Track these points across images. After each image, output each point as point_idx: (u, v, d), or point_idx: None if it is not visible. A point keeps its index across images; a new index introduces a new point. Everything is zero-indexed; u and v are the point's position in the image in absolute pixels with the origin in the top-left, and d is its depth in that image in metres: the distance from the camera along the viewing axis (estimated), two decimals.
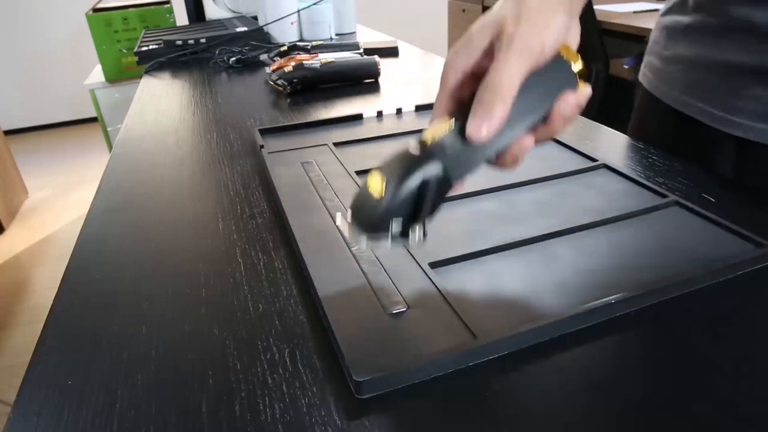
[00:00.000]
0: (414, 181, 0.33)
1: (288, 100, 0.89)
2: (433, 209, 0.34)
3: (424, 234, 0.34)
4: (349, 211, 0.36)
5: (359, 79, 0.97)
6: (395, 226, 0.34)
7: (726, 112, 0.57)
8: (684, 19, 0.61)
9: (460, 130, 0.33)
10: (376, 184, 0.34)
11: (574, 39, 0.37)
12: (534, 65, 0.34)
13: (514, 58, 0.33)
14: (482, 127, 0.32)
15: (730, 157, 0.59)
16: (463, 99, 0.37)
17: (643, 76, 0.70)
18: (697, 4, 0.59)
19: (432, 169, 0.33)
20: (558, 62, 0.35)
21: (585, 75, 0.35)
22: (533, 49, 0.33)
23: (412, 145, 0.34)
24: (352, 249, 0.35)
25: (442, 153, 0.33)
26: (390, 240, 0.34)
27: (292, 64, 0.92)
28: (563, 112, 0.34)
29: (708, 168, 0.59)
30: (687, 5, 0.61)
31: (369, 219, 0.34)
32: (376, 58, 0.97)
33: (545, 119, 0.35)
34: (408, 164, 0.33)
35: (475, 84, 0.34)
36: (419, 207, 0.33)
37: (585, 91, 0.35)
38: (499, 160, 0.36)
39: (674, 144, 0.64)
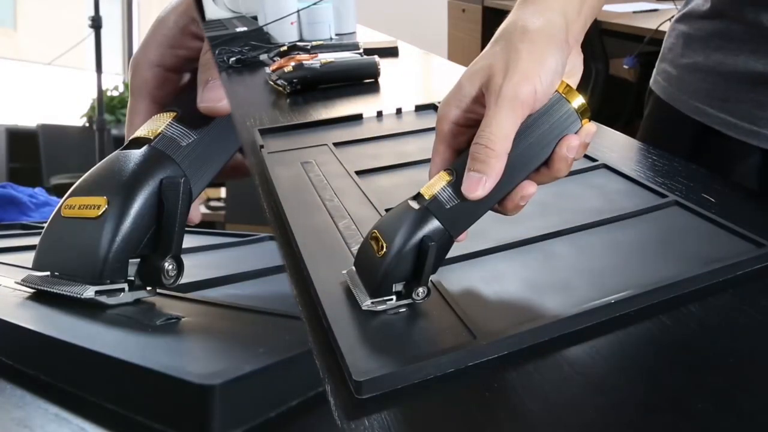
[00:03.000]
0: (414, 244, 0.33)
1: (288, 100, 0.89)
2: (436, 268, 0.34)
3: (428, 293, 0.35)
4: (353, 269, 0.37)
5: (359, 79, 0.97)
6: (398, 288, 0.34)
7: (752, 124, 0.55)
8: (703, 25, 0.59)
9: (458, 184, 0.33)
10: (377, 247, 0.34)
11: (573, 73, 0.35)
12: (526, 114, 0.33)
13: (505, 111, 0.32)
14: (478, 185, 0.32)
15: (756, 170, 0.58)
16: (460, 146, 0.36)
17: (656, 83, 0.68)
18: (717, 10, 0.58)
19: (432, 229, 0.33)
20: (556, 103, 0.34)
21: (588, 111, 0.34)
22: (525, 100, 0.32)
23: (410, 201, 0.34)
24: (362, 306, 0.35)
25: (440, 209, 0.33)
26: (395, 300, 0.35)
27: (292, 64, 0.92)
28: (565, 155, 0.33)
29: (726, 177, 0.57)
30: (706, 11, 0.59)
31: (371, 284, 0.35)
32: (376, 58, 0.97)
33: (547, 163, 0.34)
34: (407, 226, 0.33)
35: (471, 131, 0.34)
36: (421, 266, 0.33)
37: (588, 129, 0.34)
38: (500, 206, 0.35)
39: (690, 153, 0.61)
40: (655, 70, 0.69)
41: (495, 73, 0.33)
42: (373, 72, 0.96)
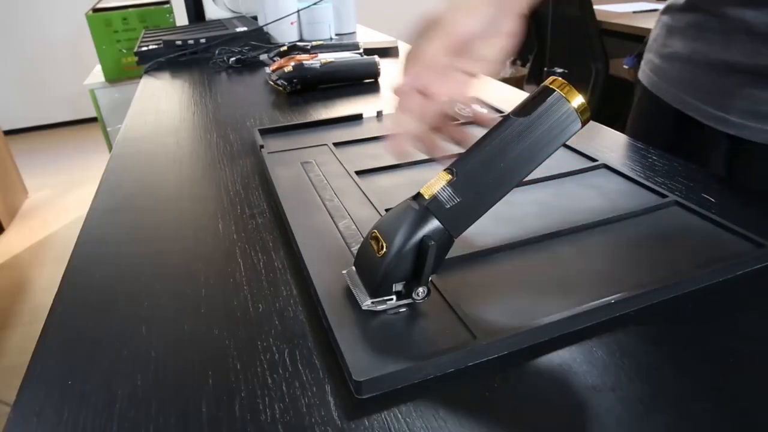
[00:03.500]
0: (414, 244, 0.33)
1: (288, 100, 0.89)
2: (436, 268, 0.34)
3: (428, 293, 0.35)
4: (353, 269, 0.37)
5: (359, 79, 0.97)
6: (398, 288, 0.35)
7: (720, 110, 0.58)
8: (682, 17, 0.62)
9: (458, 184, 0.34)
10: (377, 247, 0.34)
11: (504, 31, 0.39)
12: (456, 44, 0.36)
13: (437, 38, 0.36)
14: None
15: (724, 155, 0.60)
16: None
17: (643, 73, 0.71)
18: (692, 3, 0.60)
19: (431, 228, 0.33)
20: (556, 103, 0.33)
21: (587, 110, 0.34)
22: (456, 30, 0.36)
23: (410, 201, 0.35)
24: (362, 305, 0.36)
25: (440, 209, 0.33)
26: (395, 300, 0.35)
27: (292, 64, 0.92)
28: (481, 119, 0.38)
29: (702, 165, 0.59)
30: (683, 4, 0.62)
31: (371, 284, 0.35)
32: (376, 58, 0.97)
33: None
34: (407, 226, 0.33)
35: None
36: (421, 266, 0.33)
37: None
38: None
39: (671, 141, 0.65)
40: (642, 61, 0.71)
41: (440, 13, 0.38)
42: (374, 72, 0.97)
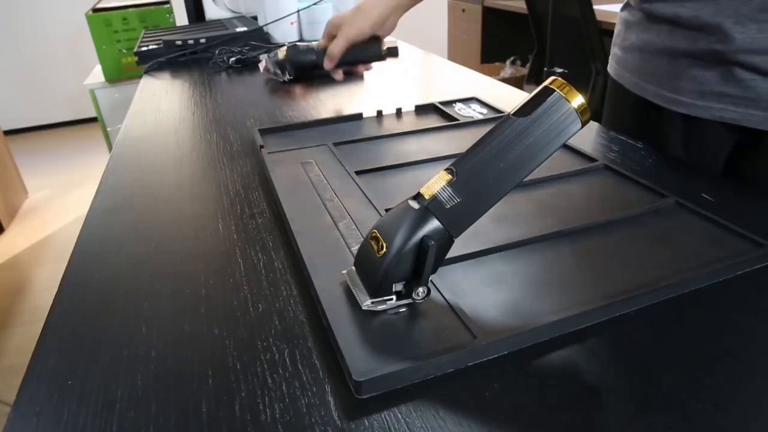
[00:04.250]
0: (414, 244, 0.33)
1: (288, 100, 0.89)
2: (436, 268, 0.34)
3: (428, 293, 0.35)
4: (353, 269, 0.37)
5: (362, 62, 0.92)
6: (398, 288, 0.35)
7: (673, 92, 0.63)
8: (634, 12, 0.69)
9: (458, 184, 0.34)
10: (377, 247, 0.34)
11: (387, 29, 0.87)
12: (353, 41, 0.84)
13: (341, 39, 0.83)
14: (327, 64, 0.88)
15: (680, 135, 0.66)
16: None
17: (610, 66, 0.76)
18: (637, 1, 0.67)
19: (432, 228, 0.33)
20: (556, 103, 0.33)
21: (587, 110, 0.34)
22: (353, 34, 0.82)
23: (410, 201, 0.35)
24: (362, 305, 0.36)
25: (440, 209, 0.33)
26: (395, 300, 0.35)
27: (286, 46, 0.93)
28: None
29: (663, 149, 0.66)
30: (636, 2, 0.68)
31: (371, 284, 0.35)
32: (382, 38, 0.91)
33: None
34: (407, 226, 0.33)
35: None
36: (421, 266, 0.33)
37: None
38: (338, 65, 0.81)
39: (637, 127, 0.70)
40: (609, 55, 0.77)
41: (344, 23, 0.85)
42: (377, 53, 0.89)
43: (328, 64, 0.87)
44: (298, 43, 0.96)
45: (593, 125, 0.70)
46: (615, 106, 0.76)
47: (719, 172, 0.64)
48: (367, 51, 0.91)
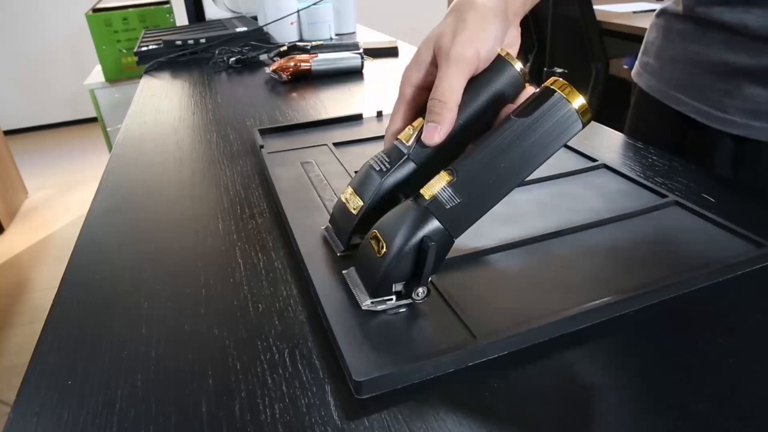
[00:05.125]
0: (414, 244, 0.33)
1: (288, 100, 0.89)
2: (436, 268, 0.34)
3: (428, 293, 0.35)
4: (353, 269, 0.37)
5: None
6: (398, 288, 0.35)
7: (723, 111, 0.58)
8: (679, 20, 0.63)
9: (458, 184, 0.34)
10: (377, 247, 0.34)
11: (512, 44, 0.42)
12: (472, 72, 0.38)
13: (453, 69, 0.37)
14: (434, 132, 0.37)
15: (728, 156, 0.60)
16: (418, 107, 0.41)
17: (639, 75, 0.71)
18: (689, 6, 0.61)
19: (432, 229, 0.33)
20: (557, 103, 0.34)
21: (588, 111, 0.35)
22: (470, 59, 0.37)
23: (410, 201, 0.35)
24: (362, 305, 0.36)
25: (440, 210, 0.33)
26: (395, 300, 0.35)
27: (291, 64, 0.96)
28: (509, 111, 0.37)
29: (707, 167, 0.60)
30: (681, 7, 0.62)
31: (371, 284, 0.35)
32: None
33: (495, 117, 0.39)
34: (407, 226, 0.33)
35: (427, 96, 0.38)
36: (421, 266, 0.33)
37: (528, 90, 0.39)
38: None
39: (672, 143, 0.65)
40: (637, 63, 0.72)
41: (445, 38, 0.38)
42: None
43: (439, 130, 0.38)
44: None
45: (593, 125, 0.70)
46: (645, 120, 0.71)
47: None
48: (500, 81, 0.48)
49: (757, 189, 0.55)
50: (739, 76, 0.56)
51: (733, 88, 0.57)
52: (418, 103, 0.41)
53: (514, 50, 0.42)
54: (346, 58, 1.04)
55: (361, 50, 1.11)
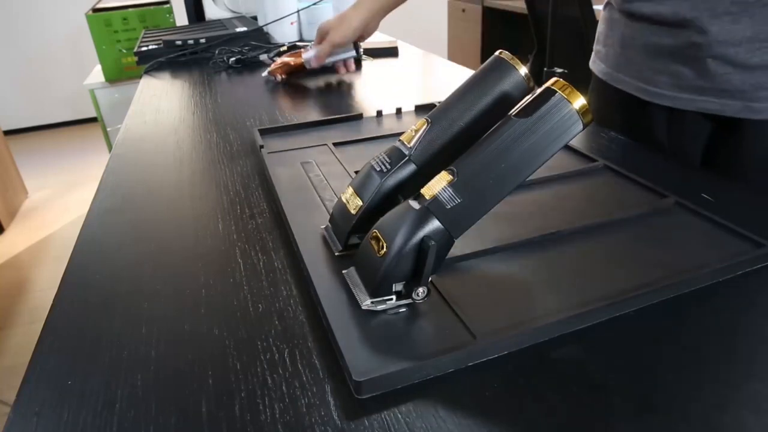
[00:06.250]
0: (414, 244, 0.33)
1: (288, 100, 0.89)
2: (436, 268, 0.34)
3: (428, 293, 0.35)
4: (353, 269, 0.37)
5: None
6: (398, 288, 0.35)
7: (654, 86, 0.66)
8: (615, 11, 0.72)
9: (459, 185, 0.34)
10: (377, 247, 0.34)
11: (370, 31, 0.98)
12: (338, 46, 0.95)
13: (326, 45, 0.95)
14: (315, 62, 0.97)
15: (663, 126, 0.69)
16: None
17: (593, 62, 0.79)
18: (618, 1, 0.70)
19: (432, 229, 0.33)
20: (558, 104, 0.34)
21: (589, 111, 0.34)
22: (337, 43, 0.95)
23: (411, 201, 0.35)
24: (362, 305, 0.36)
25: (441, 210, 0.33)
26: (395, 300, 0.35)
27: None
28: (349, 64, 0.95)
29: (649, 141, 0.69)
30: (618, 2, 0.70)
31: (371, 284, 0.35)
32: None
33: None
34: (408, 226, 0.33)
35: None
36: (421, 266, 0.33)
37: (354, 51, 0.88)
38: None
39: (623, 121, 0.73)
40: (593, 52, 0.80)
41: (331, 27, 0.96)
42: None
43: (314, 64, 0.98)
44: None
45: (593, 125, 0.70)
46: (598, 101, 0.79)
47: (698, 159, 0.67)
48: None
49: (685, 154, 0.67)
50: (664, 55, 0.64)
51: (659, 66, 0.65)
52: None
53: (372, 34, 0.98)
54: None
55: (361, 50, 1.11)
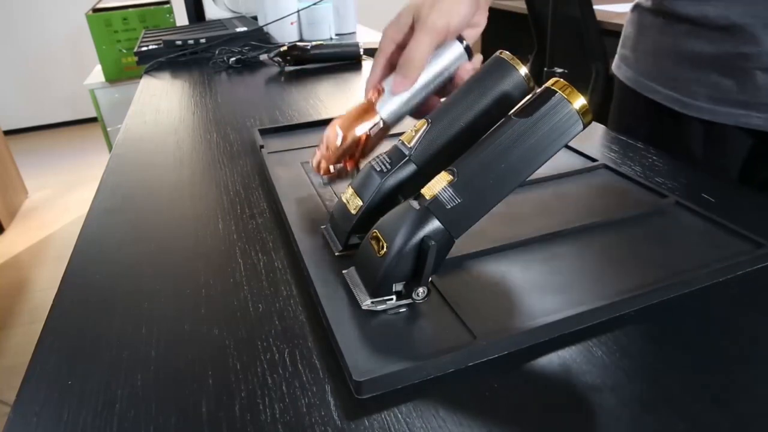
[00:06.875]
0: (414, 244, 0.33)
1: (288, 100, 0.89)
2: (436, 268, 0.34)
3: (428, 293, 0.35)
4: (353, 269, 0.37)
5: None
6: (398, 288, 0.35)
7: (691, 98, 0.62)
8: (650, 14, 0.67)
9: (459, 185, 0.34)
10: (377, 247, 0.34)
11: (479, 23, 0.49)
12: (441, 40, 0.44)
13: (426, 35, 0.43)
14: (401, 85, 0.45)
15: (699, 140, 0.65)
16: (394, 62, 0.46)
17: (618, 68, 0.74)
18: (657, 1, 0.65)
19: (432, 229, 0.33)
20: (558, 104, 0.34)
21: (589, 111, 0.35)
22: (440, 29, 0.44)
23: (411, 201, 0.35)
24: (362, 305, 0.36)
25: (441, 210, 0.33)
26: (395, 300, 0.35)
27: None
28: (462, 76, 0.46)
29: (682, 152, 0.65)
30: (650, 2, 0.66)
31: (371, 284, 0.35)
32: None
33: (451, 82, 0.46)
34: (408, 226, 0.33)
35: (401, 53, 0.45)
36: (421, 266, 0.33)
37: (478, 58, 0.46)
38: (415, 115, 0.47)
39: (650, 131, 0.69)
40: (616, 56, 0.75)
41: (424, 8, 0.44)
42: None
43: (405, 83, 0.45)
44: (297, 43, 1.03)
45: (593, 125, 0.70)
46: (621, 109, 0.74)
47: (736, 176, 0.64)
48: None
49: (723, 169, 0.63)
50: (704, 64, 0.60)
51: (699, 76, 0.61)
52: (396, 57, 0.46)
53: (478, 30, 0.50)
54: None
55: (361, 50, 1.11)
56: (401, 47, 0.46)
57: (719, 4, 0.56)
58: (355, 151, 0.47)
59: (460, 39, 0.46)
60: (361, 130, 0.46)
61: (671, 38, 0.63)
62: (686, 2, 0.59)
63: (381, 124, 0.46)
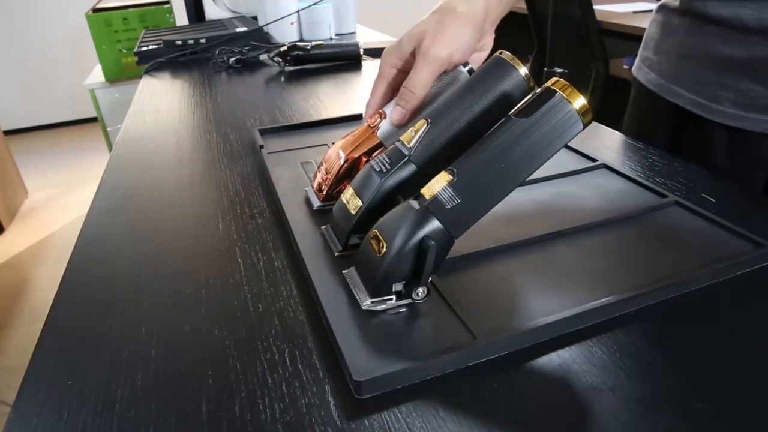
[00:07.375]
0: (414, 244, 0.33)
1: (288, 100, 0.89)
2: (436, 268, 0.34)
3: (428, 293, 0.35)
4: (353, 269, 0.37)
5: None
6: (398, 288, 0.35)
7: (717, 103, 0.60)
8: (676, 15, 0.65)
9: (459, 185, 0.34)
10: (377, 247, 0.34)
11: (484, 48, 0.50)
12: (443, 70, 0.45)
13: (427, 66, 0.44)
14: (402, 115, 0.45)
15: (724, 146, 0.62)
16: (395, 86, 0.47)
17: (639, 69, 0.72)
18: (686, 1, 0.62)
19: (432, 229, 0.33)
20: (558, 104, 0.34)
21: (589, 112, 0.34)
22: (442, 60, 0.44)
23: (411, 201, 0.35)
24: (362, 305, 0.36)
25: (441, 210, 0.34)
26: (395, 300, 0.35)
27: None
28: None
29: (705, 158, 0.62)
30: (678, 3, 0.64)
31: (371, 284, 0.35)
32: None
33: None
34: (408, 226, 0.34)
35: (402, 78, 0.45)
36: (421, 266, 0.33)
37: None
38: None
39: (671, 135, 0.67)
40: (637, 58, 0.73)
41: (426, 37, 0.45)
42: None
43: (405, 114, 0.45)
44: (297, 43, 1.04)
45: (593, 125, 0.70)
46: (641, 112, 0.72)
47: (762, 182, 0.61)
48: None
49: (749, 177, 0.60)
50: (733, 69, 0.57)
51: (728, 81, 0.58)
52: (396, 81, 0.47)
53: (485, 53, 0.50)
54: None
55: (361, 50, 1.11)
56: (402, 72, 0.47)
57: (755, 6, 0.54)
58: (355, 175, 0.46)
59: (464, 63, 0.47)
60: (363, 153, 0.47)
61: (699, 40, 0.60)
62: (718, 3, 0.57)
63: (382, 149, 0.46)
